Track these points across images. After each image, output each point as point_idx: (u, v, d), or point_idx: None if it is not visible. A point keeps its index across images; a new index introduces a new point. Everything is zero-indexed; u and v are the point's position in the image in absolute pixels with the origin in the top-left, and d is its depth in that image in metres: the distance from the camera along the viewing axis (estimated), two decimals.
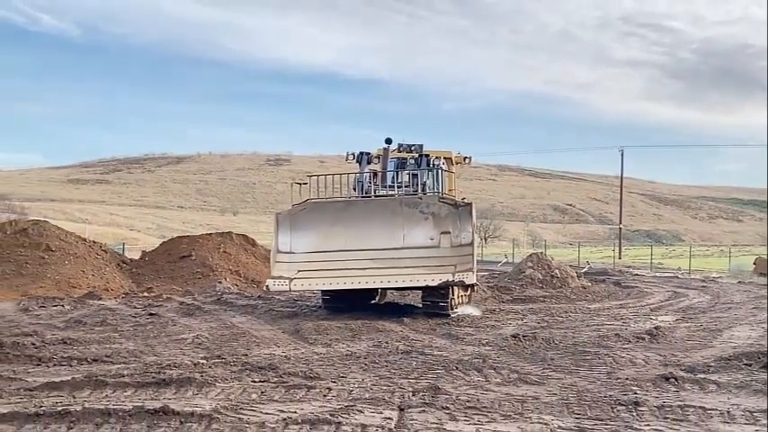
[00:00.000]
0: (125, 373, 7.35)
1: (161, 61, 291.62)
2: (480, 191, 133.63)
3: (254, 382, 7.01)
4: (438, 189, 14.16)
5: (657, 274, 30.43)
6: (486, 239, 70.80)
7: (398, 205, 13.33)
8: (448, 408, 5.93)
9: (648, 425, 5.57)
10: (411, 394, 6.47)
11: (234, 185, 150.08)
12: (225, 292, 17.10)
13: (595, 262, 40.35)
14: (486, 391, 6.72)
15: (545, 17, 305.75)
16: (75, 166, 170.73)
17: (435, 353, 8.86)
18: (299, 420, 5.44)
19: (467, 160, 16.31)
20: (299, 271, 12.90)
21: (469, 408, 5.97)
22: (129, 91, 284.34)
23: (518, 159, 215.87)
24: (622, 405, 6.10)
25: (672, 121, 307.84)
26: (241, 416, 5.60)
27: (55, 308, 13.90)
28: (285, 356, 8.61)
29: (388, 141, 13.80)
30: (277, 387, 6.74)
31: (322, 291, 13.87)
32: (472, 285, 13.75)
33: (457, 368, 7.72)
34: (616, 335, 10.54)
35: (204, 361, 8.09)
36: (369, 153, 14.92)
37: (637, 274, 29.24)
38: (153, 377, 7.03)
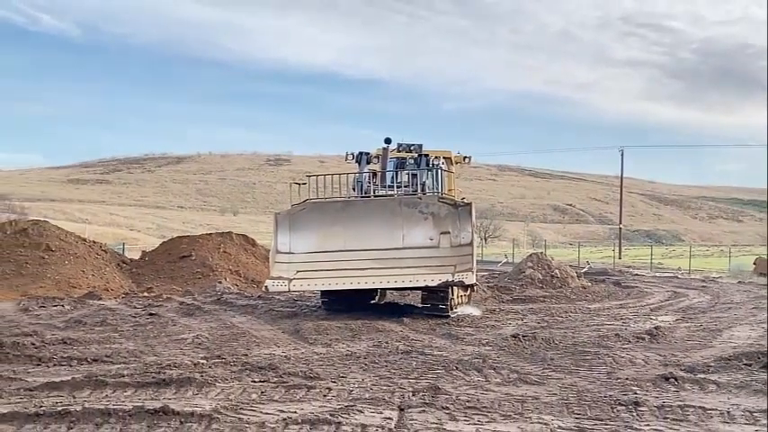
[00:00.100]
0: (125, 373, 7.34)
1: (161, 61, 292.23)
2: (480, 191, 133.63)
3: (254, 382, 7.01)
4: (437, 189, 14.14)
5: (657, 274, 30.43)
6: (486, 239, 70.80)
7: (398, 205, 13.29)
8: (448, 408, 5.93)
9: (648, 425, 5.57)
10: (411, 394, 6.47)
11: (234, 185, 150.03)
12: (225, 292, 17.09)
13: (595, 262, 40.36)
14: (486, 391, 6.73)
15: (545, 17, 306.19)
16: (75, 166, 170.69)
17: (435, 353, 8.86)
18: (299, 420, 5.45)
19: (466, 160, 16.29)
20: (299, 271, 12.87)
21: (469, 408, 5.97)
22: (129, 91, 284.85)
23: (518, 159, 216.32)
24: (622, 405, 6.10)
25: (672, 121, 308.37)
26: (241, 416, 5.60)
27: (55, 308, 13.89)
28: (285, 356, 8.61)
29: (388, 141, 13.79)
30: (277, 387, 6.74)
31: (321, 291, 13.85)
32: (472, 285, 13.73)
33: (457, 368, 7.71)
34: (616, 335, 10.53)
35: (204, 361, 8.09)
36: (368, 153, 14.91)
37: (637, 274, 29.24)
38: (153, 377, 7.03)
